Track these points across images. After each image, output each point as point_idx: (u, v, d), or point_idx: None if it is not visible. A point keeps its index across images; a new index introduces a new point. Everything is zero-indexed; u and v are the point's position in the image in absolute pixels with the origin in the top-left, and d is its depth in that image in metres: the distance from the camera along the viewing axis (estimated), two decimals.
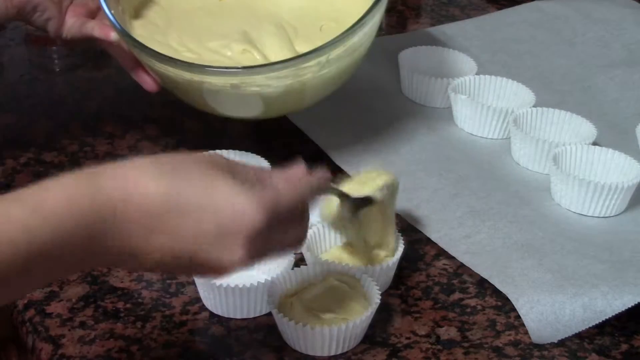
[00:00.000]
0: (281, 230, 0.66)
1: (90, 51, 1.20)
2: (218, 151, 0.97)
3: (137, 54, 0.93)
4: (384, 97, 1.13)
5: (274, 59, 0.94)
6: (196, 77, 0.89)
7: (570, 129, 1.03)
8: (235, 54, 0.96)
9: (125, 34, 0.92)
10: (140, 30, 0.99)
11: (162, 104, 1.10)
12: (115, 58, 0.99)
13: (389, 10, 1.41)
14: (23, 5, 0.94)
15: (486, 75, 1.10)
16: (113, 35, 0.94)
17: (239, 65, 0.93)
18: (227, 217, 0.62)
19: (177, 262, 0.63)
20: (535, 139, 0.99)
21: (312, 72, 0.89)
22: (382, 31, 1.36)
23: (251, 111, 0.95)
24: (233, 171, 0.64)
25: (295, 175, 0.68)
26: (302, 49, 0.94)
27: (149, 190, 0.60)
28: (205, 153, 0.67)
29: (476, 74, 1.12)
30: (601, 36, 1.29)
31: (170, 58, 0.90)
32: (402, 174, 0.98)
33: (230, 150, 0.97)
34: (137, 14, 1.01)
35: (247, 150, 0.97)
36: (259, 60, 0.95)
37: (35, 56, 1.21)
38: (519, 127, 1.02)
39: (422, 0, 1.44)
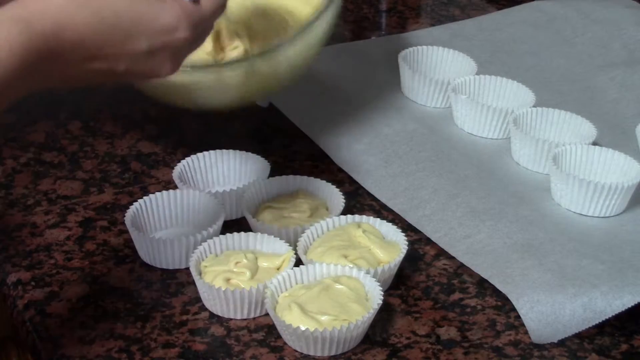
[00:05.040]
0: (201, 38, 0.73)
1: None
2: (219, 151, 0.97)
3: None
4: (384, 97, 1.13)
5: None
6: None
7: (570, 129, 1.03)
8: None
9: None
10: None
11: (162, 104, 1.10)
12: None
13: (389, 10, 1.41)
14: None
15: (486, 75, 1.10)
16: None
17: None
18: (157, 34, 0.68)
19: (113, 77, 0.69)
20: (535, 139, 0.99)
21: (238, 77, 0.90)
22: (382, 31, 1.36)
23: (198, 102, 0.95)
24: None
25: None
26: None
27: (75, 20, 0.64)
28: None
29: (476, 74, 1.12)
30: (601, 36, 1.28)
31: None
32: (402, 174, 0.98)
33: (230, 150, 0.97)
34: None
35: (247, 150, 0.97)
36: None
37: None
38: (519, 127, 1.02)
39: (422, 0, 1.44)
